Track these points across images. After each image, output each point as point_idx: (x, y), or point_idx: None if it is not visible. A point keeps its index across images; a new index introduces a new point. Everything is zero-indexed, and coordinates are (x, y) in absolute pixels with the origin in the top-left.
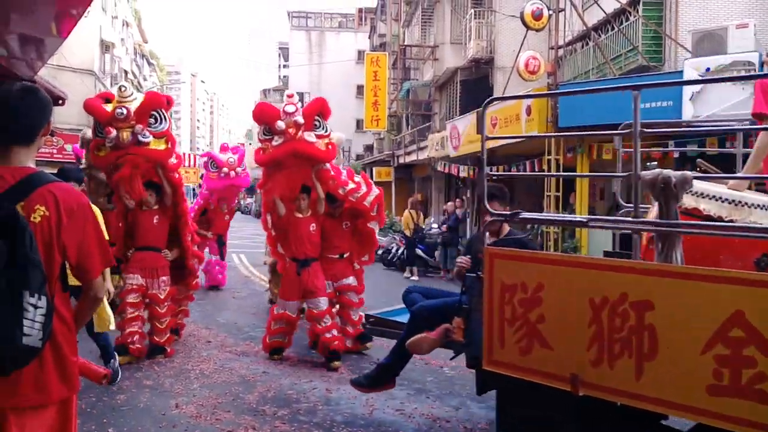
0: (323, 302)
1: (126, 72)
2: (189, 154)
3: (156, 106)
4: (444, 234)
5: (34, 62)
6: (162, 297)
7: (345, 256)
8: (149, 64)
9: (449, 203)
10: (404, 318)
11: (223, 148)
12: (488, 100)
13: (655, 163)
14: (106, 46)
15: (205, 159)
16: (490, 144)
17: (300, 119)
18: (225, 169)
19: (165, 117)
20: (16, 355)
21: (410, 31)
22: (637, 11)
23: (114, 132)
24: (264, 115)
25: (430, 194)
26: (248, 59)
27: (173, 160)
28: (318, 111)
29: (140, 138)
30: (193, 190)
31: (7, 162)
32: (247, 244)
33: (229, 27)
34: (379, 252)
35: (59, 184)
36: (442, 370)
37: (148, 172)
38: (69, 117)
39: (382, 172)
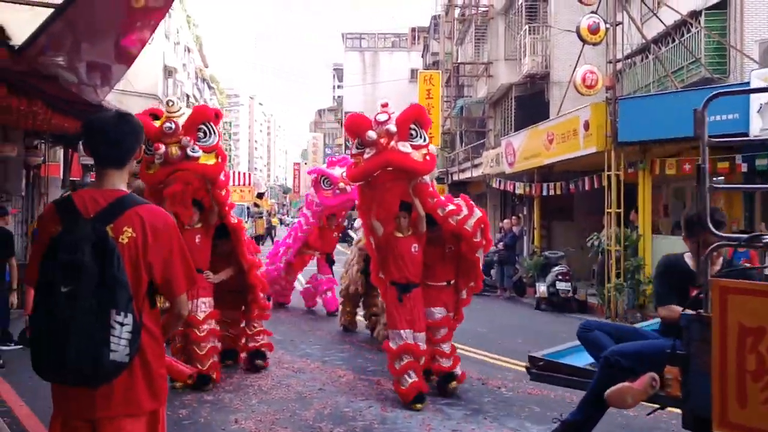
0: (421, 339)
1: (188, 96)
2: (243, 173)
3: (204, 119)
4: (500, 252)
5: (102, 88)
6: (200, 318)
7: (452, 283)
8: (209, 87)
9: (506, 221)
10: (578, 360)
11: (331, 163)
12: (709, 97)
13: (722, 177)
14: (169, 72)
15: (314, 176)
16: (546, 160)
17: (392, 128)
18: (341, 185)
19: (214, 131)
20: (103, 371)
21: (463, 49)
22: (699, 22)
23: (162, 148)
24: (355, 126)
25: (486, 211)
26: (303, 81)
27: (221, 177)
28: (414, 118)
29: (189, 152)
30: (248, 209)
31: (102, 185)
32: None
33: (285, 50)
34: None
35: (146, 206)
36: (499, 391)
37: (196, 189)
38: None
39: (436, 189)
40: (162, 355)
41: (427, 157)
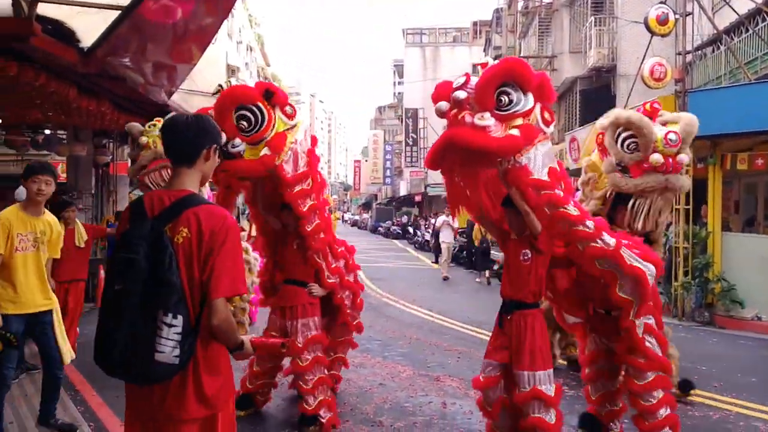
0: (539, 378)
1: None
2: None
3: (240, 101)
4: None
5: (167, 88)
6: (301, 344)
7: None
8: None
9: None
10: None
11: None
12: None
13: None
14: (232, 71)
15: None
16: None
17: (459, 94)
18: None
19: (262, 114)
20: (150, 371)
21: (527, 42)
22: None
23: None
24: (440, 97)
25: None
26: (364, 78)
27: (289, 169)
28: (504, 77)
29: (228, 149)
30: None
31: (172, 184)
32: (362, 258)
33: (345, 47)
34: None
35: (206, 206)
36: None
37: (272, 191)
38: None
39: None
40: (219, 362)
41: (514, 131)
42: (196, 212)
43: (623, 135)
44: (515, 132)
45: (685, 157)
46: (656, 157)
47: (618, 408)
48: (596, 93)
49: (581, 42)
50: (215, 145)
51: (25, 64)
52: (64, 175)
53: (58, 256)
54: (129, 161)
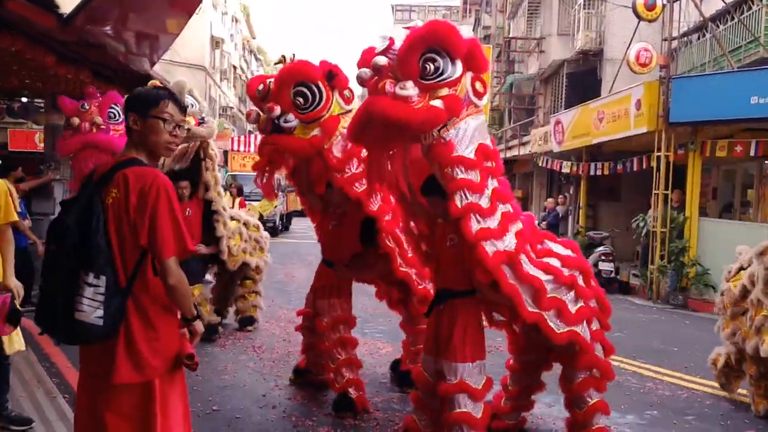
0: (466, 370)
1: (234, 67)
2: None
3: (301, 77)
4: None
5: (149, 58)
6: (326, 323)
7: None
8: (257, 59)
9: (549, 199)
10: None
11: None
12: None
13: None
14: (216, 42)
15: None
16: (596, 139)
17: (380, 60)
18: None
19: (321, 94)
20: (72, 328)
21: (515, 23)
22: (760, 0)
23: (254, 113)
24: (364, 64)
25: (531, 190)
26: (352, 53)
27: (337, 153)
28: (429, 43)
29: (280, 123)
30: (279, 182)
31: (123, 153)
32: None
33: (335, 21)
34: None
35: (137, 168)
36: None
37: (320, 170)
38: None
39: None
40: (157, 327)
41: (437, 102)
42: (125, 173)
43: None
44: (437, 103)
45: None
46: None
47: (528, 402)
48: (582, 76)
49: (570, 25)
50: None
51: (2, 29)
52: (42, 144)
53: (14, 218)
54: None
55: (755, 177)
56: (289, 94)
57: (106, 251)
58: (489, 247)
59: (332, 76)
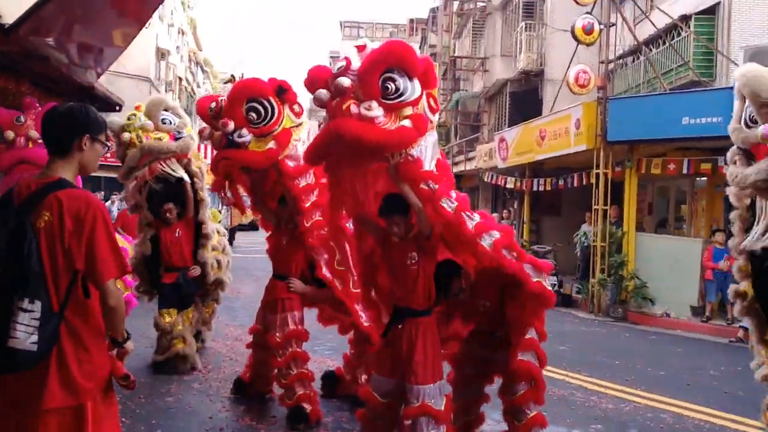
0: (429, 392)
1: (180, 79)
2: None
3: (253, 94)
4: None
5: (94, 69)
6: (279, 339)
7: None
8: (203, 71)
9: (494, 214)
10: None
11: None
12: None
13: (704, 178)
14: (161, 54)
15: None
16: (538, 156)
17: (343, 81)
18: None
19: (272, 109)
20: (5, 356)
21: (461, 43)
22: (689, 26)
23: (206, 130)
24: (311, 83)
25: (477, 205)
26: (299, 67)
27: (292, 164)
28: (390, 63)
29: (233, 138)
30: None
31: (45, 173)
32: None
33: (281, 35)
34: None
35: (69, 190)
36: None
37: (274, 183)
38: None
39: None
40: (89, 349)
41: (406, 123)
42: (58, 196)
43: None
44: (407, 123)
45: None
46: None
47: (476, 417)
48: (525, 95)
49: (512, 46)
50: (88, 135)
51: None
52: None
53: None
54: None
55: (688, 193)
56: (242, 110)
57: (40, 276)
58: (487, 240)
59: (282, 91)
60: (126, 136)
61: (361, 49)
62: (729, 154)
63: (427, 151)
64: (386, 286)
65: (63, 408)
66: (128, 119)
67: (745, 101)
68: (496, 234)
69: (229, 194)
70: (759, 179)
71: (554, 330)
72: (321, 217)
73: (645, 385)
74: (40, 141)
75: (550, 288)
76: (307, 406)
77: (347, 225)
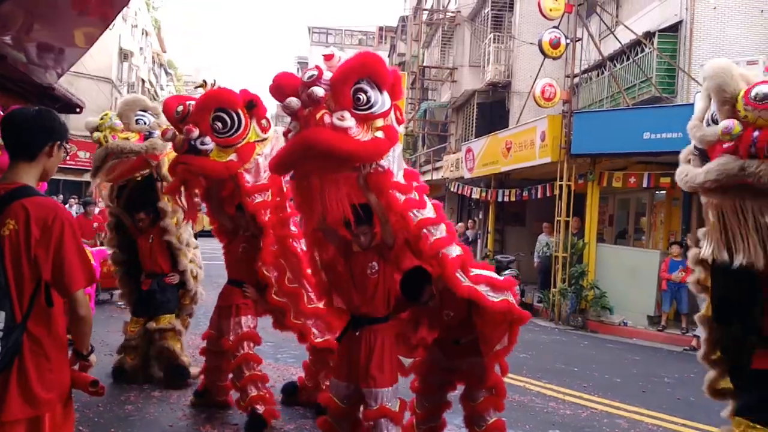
0: (385, 395)
1: (143, 80)
2: None
3: (222, 104)
4: None
5: (54, 70)
6: (231, 343)
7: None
8: (167, 73)
9: (460, 224)
10: None
11: None
12: None
13: (664, 192)
14: (124, 55)
15: None
16: (504, 167)
17: (317, 91)
18: None
19: (239, 121)
20: None
21: (430, 52)
22: (652, 43)
23: (170, 132)
24: (279, 90)
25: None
26: (266, 72)
27: (250, 179)
28: (362, 73)
29: (195, 145)
30: None
31: (7, 177)
32: None
33: (248, 39)
34: None
35: (36, 198)
36: None
37: (232, 192)
38: (84, 124)
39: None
40: (53, 361)
41: (379, 134)
42: (24, 204)
43: None
44: (380, 135)
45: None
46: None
47: (438, 424)
48: (492, 107)
49: (480, 57)
50: (59, 142)
51: None
52: None
53: None
54: None
55: (647, 206)
56: (209, 118)
57: (4, 286)
58: (451, 251)
59: (252, 105)
60: (95, 135)
61: (328, 58)
62: (683, 153)
63: (394, 161)
64: (347, 293)
65: (19, 420)
66: (101, 119)
67: (709, 101)
68: (454, 252)
69: (183, 201)
70: (708, 179)
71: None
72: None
73: (602, 392)
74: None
75: (516, 305)
76: (261, 407)
77: (293, 243)
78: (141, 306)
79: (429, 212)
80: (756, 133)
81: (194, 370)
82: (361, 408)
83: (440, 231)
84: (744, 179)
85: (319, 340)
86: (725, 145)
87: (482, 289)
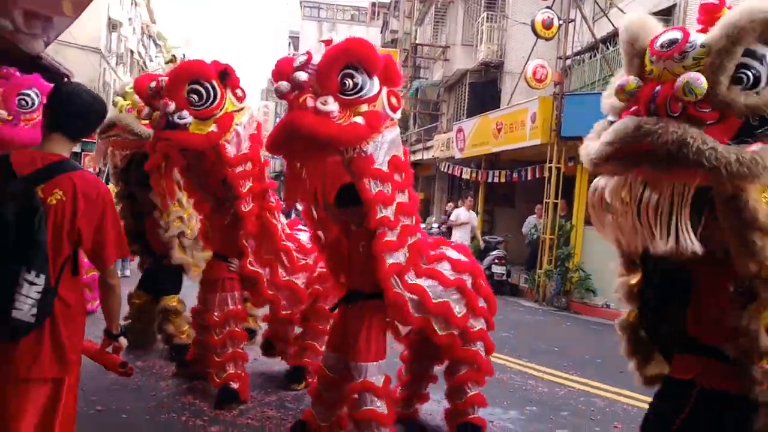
0: (370, 370)
1: (132, 52)
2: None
3: (195, 76)
4: (443, 233)
5: (41, 39)
6: (217, 318)
7: None
8: (156, 44)
9: (449, 203)
10: None
11: None
12: None
13: None
14: (113, 25)
15: None
16: (494, 148)
17: (301, 75)
18: None
19: (215, 92)
20: (5, 326)
21: (422, 30)
22: None
23: (145, 110)
24: (279, 74)
25: (433, 194)
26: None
27: (231, 150)
28: (349, 59)
29: (174, 119)
30: None
31: (46, 147)
32: None
33: (238, 11)
34: None
35: (81, 172)
36: None
37: (212, 165)
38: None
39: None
40: (76, 326)
41: (359, 119)
42: (71, 177)
43: None
44: (359, 120)
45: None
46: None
47: (420, 395)
48: (484, 87)
49: (473, 36)
50: (95, 131)
51: None
52: None
53: None
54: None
55: None
56: (184, 92)
57: (45, 250)
58: (387, 258)
59: (225, 75)
60: (117, 99)
61: (328, 43)
62: (595, 126)
63: (381, 147)
64: (345, 269)
65: (46, 379)
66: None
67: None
68: (395, 259)
69: (162, 178)
70: (604, 145)
71: (499, 318)
72: (253, 203)
73: (580, 371)
74: (10, 118)
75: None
76: (235, 385)
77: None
78: (142, 282)
79: (390, 212)
80: (658, 88)
81: None
82: None
83: (393, 234)
84: (642, 140)
85: (285, 312)
86: (632, 109)
87: (410, 297)
